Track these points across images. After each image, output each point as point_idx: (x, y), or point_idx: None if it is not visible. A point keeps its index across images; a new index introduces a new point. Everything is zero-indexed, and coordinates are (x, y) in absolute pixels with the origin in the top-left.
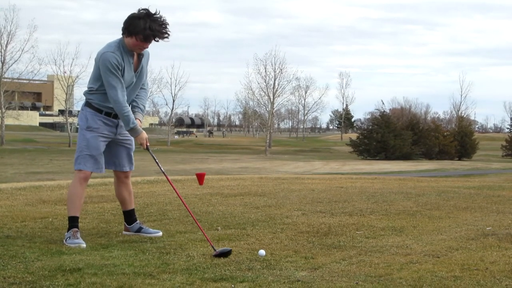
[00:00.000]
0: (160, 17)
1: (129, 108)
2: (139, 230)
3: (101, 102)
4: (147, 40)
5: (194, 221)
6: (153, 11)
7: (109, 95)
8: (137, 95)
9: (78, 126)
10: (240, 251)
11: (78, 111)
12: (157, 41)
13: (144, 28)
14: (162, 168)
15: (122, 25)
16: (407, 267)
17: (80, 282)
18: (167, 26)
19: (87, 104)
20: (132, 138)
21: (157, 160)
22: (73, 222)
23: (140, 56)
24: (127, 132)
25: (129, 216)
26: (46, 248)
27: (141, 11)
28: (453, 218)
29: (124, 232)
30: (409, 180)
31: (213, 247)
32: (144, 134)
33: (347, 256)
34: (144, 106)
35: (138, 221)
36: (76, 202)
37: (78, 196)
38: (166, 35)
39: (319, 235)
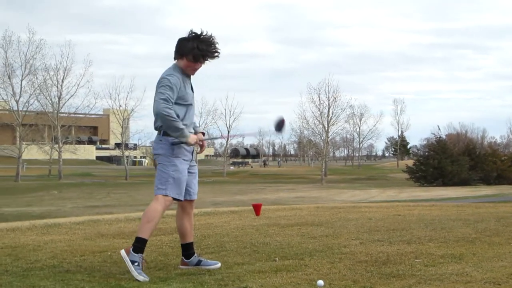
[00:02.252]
0: (210, 37)
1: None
2: (198, 263)
3: None
4: (196, 60)
5: None
6: (201, 32)
7: (156, 106)
8: None
9: (157, 156)
10: (299, 282)
11: (134, 144)
12: (208, 60)
13: (192, 48)
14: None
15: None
16: None
17: None
18: (216, 45)
19: (165, 133)
20: (196, 164)
21: (215, 138)
22: (142, 244)
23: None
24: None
25: (188, 250)
26: (105, 282)
27: (190, 34)
28: None
29: (181, 267)
30: (467, 207)
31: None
32: (194, 136)
33: (407, 285)
34: None
35: (196, 254)
36: (153, 226)
37: (157, 221)
38: (216, 53)
39: (377, 264)
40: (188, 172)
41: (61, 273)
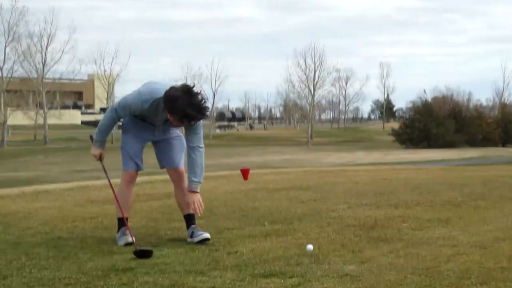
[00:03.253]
0: (201, 100)
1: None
2: (192, 235)
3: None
4: (182, 121)
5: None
6: (194, 89)
7: (113, 104)
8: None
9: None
10: (288, 246)
11: None
12: (192, 124)
13: (180, 111)
14: (109, 180)
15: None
16: (454, 259)
17: (133, 281)
18: (206, 109)
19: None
20: (182, 135)
21: (107, 174)
22: (121, 222)
23: None
24: (176, 131)
25: (186, 222)
26: (98, 249)
27: (184, 87)
28: (499, 208)
29: (189, 240)
30: (454, 170)
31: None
32: (101, 150)
33: (394, 249)
34: (202, 166)
35: (193, 225)
36: (124, 203)
37: (126, 197)
38: (204, 117)
39: (365, 228)
40: (157, 142)
41: (53, 240)
